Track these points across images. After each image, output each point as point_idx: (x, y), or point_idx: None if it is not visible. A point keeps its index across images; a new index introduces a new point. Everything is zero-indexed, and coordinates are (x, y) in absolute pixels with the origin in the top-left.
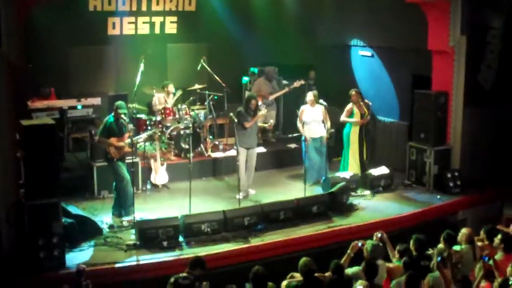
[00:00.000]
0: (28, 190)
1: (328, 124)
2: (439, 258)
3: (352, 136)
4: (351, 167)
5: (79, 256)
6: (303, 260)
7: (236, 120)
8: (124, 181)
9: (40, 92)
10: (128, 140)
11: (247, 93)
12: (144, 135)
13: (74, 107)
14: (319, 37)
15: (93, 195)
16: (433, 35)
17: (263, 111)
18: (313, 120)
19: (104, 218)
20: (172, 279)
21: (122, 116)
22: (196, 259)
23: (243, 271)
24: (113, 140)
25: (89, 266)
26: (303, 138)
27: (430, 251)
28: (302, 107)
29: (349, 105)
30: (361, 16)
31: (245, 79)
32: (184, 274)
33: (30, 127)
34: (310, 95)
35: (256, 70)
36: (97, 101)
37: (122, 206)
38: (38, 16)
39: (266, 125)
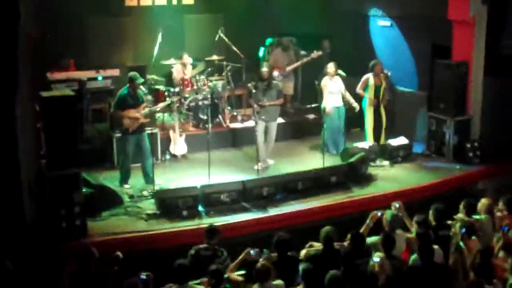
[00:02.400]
0: (49, 160)
1: (348, 94)
2: (463, 230)
3: (367, 106)
4: (367, 136)
5: (100, 226)
6: (325, 228)
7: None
8: (124, 156)
9: (59, 63)
10: (144, 111)
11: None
12: (161, 105)
13: (93, 79)
14: (337, 6)
15: (113, 165)
16: (453, 4)
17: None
18: (332, 91)
19: (124, 189)
20: (192, 251)
21: (141, 86)
22: (212, 229)
23: (261, 240)
24: (126, 111)
25: (110, 235)
26: (322, 108)
27: (449, 222)
28: (323, 81)
29: (366, 76)
30: None
31: (261, 51)
32: (205, 245)
33: (50, 99)
34: (331, 66)
35: (273, 40)
36: (116, 72)
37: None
38: None
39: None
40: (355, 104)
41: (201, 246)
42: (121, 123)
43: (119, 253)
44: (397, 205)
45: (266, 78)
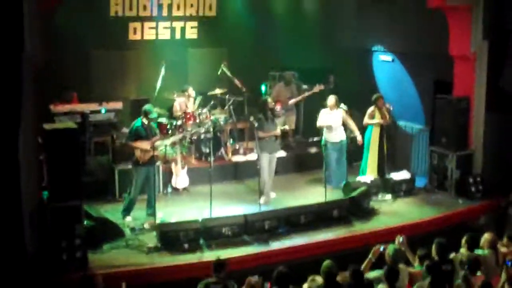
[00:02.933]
0: (51, 192)
1: (353, 126)
2: (466, 267)
3: (373, 138)
4: (370, 171)
5: (101, 258)
6: (325, 263)
7: (256, 126)
8: (132, 187)
9: (62, 96)
10: (158, 143)
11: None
12: (173, 138)
13: (96, 111)
14: (339, 42)
15: (114, 198)
16: (454, 40)
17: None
18: (331, 124)
19: (126, 221)
20: (201, 285)
21: (153, 120)
22: (220, 262)
23: (263, 274)
24: (139, 143)
25: (111, 268)
26: (323, 142)
27: (451, 256)
28: (321, 111)
29: (371, 109)
30: (382, 21)
31: (263, 86)
32: (214, 279)
33: (52, 131)
34: (332, 99)
35: (275, 75)
36: (118, 105)
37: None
38: (60, 21)
39: (283, 127)
40: (359, 137)
41: (210, 280)
42: (132, 155)
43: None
44: (401, 239)
45: (271, 108)
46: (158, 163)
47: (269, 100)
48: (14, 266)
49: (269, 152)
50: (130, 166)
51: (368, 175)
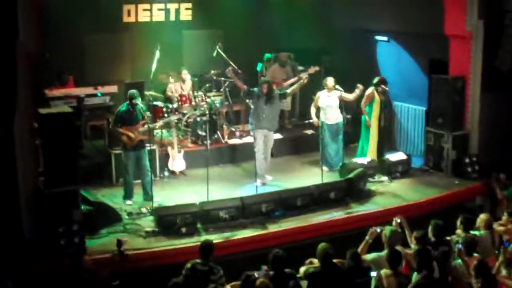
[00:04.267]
0: (48, 178)
1: (350, 96)
2: (460, 246)
3: (372, 121)
4: (370, 153)
5: (98, 243)
6: (321, 245)
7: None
8: (125, 171)
9: (58, 80)
10: (142, 128)
11: (261, 79)
12: (160, 123)
13: (91, 95)
14: (334, 22)
15: (111, 182)
16: (450, 20)
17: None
18: (329, 105)
19: (123, 205)
20: (189, 265)
21: (139, 104)
22: (206, 245)
23: (260, 257)
24: (124, 128)
25: (109, 253)
26: (319, 124)
27: (448, 237)
28: (318, 93)
29: (370, 90)
30: (377, 1)
31: (259, 66)
32: (200, 261)
33: (48, 115)
34: (331, 80)
35: (270, 55)
36: (114, 88)
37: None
38: (53, 4)
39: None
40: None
41: (198, 260)
42: (119, 140)
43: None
44: (398, 220)
45: (265, 93)
46: (155, 146)
47: (263, 85)
48: (12, 252)
49: (264, 129)
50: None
51: (369, 156)
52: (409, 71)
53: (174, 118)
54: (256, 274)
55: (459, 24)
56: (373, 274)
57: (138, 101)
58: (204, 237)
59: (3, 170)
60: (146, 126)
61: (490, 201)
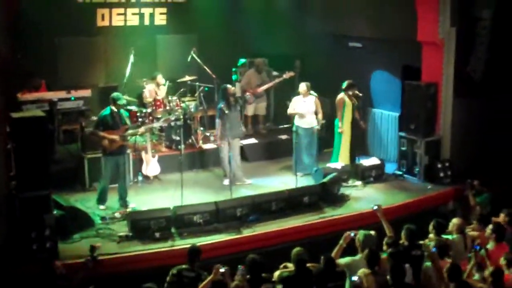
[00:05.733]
0: (19, 182)
1: (320, 115)
2: (434, 249)
3: (345, 126)
4: (342, 158)
5: (71, 248)
6: (296, 250)
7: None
8: (102, 176)
9: (31, 83)
10: (126, 134)
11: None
12: (142, 129)
13: (65, 99)
14: (309, 27)
15: (84, 186)
16: (422, 26)
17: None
18: (304, 110)
19: (96, 210)
20: (174, 270)
21: (125, 107)
22: (194, 249)
23: (235, 261)
24: (106, 132)
25: (81, 258)
26: (294, 129)
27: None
28: (294, 98)
29: (340, 96)
30: (351, 7)
31: (235, 74)
32: (187, 266)
33: (19, 119)
34: (303, 86)
35: (245, 61)
36: (87, 93)
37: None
38: (27, 7)
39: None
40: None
41: (183, 266)
42: (99, 144)
43: None
44: (376, 207)
45: (231, 94)
46: (128, 151)
47: (229, 87)
48: None
49: (229, 138)
50: (99, 155)
51: (341, 162)
52: (382, 77)
53: (154, 125)
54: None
55: (432, 31)
56: (355, 278)
57: (123, 102)
58: (178, 241)
59: None
60: (129, 131)
61: (463, 207)
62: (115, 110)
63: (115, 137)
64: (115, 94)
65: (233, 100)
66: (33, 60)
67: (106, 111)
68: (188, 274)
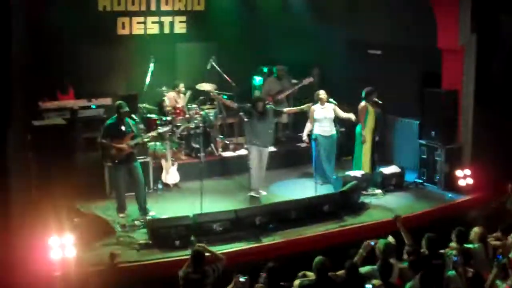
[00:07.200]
0: (41, 190)
1: (345, 114)
2: (455, 258)
3: (367, 134)
4: (364, 166)
5: (91, 256)
6: (317, 258)
7: (245, 119)
8: (115, 185)
9: (59, 87)
10: (131, 141)
11: (256, 93)
12: (149, 134)
13: (85, 107)
14: (327, 35)
15: (104, 194)
16: (442, 33)
17: None
18: (324, 118)
19: (116, 218)
20: (181, 273)
21: (131, 115)
22: (198, 254)
23: (254, 270)
24: (114, 141)
25: (101, 265)
26: (313, 136)
27: (442, 250)
28: (312, 107)
29: (363, 103)
30: (370, 14)
31: (258, 79)
32: (191, 269)
33: (41, 127)
34: (321, 93)
35: (265, 69)
36: (107, 101)
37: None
38: (48, 16)
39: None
40: (353, 116)
41: (189, 269)
42: (108, 153)
43: None
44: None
45: (260, 110)
46: (148, 159)
47: (259, 103)
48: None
49: (258, 146)
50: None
51: (364, 169)
52: (402, 84)
53: (164, 130)
54: (241, 279)
55: (452, 37)
56: (368, 286)
57: (125, 111)
58: None
59: None
60: (135, 139)
61: (487, 215)
62: (121, 118)
63: (122, 145)
64: (119, 102)
65: (261, 108)
66: (54, 69)
67: (111, 120)
68: (194, 277)
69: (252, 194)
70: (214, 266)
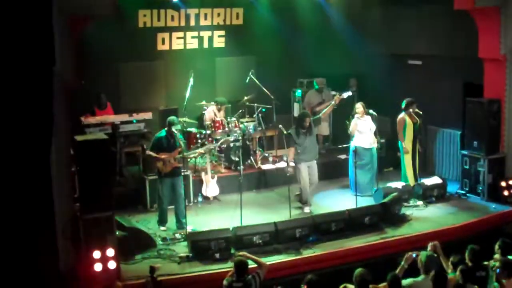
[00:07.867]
0: (83, 204)
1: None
2: (498, 270)
3: (406, 145)
4: (408, 177)
5: (132, 269)
6: (358, 270)
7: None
8: (159, 197)
9: (97, 102)
10: (178, 156)
11: (300, 111)
12: (197, 152)
13: (126, 122)
14: (366, 47)
15: (146, 208)
16: (483, 43)
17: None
18: (364, 130)
19: (157, 231)
20: (225, 282)
21: (175, 132)
22: (241, 264)
23: (294, 282)
24: (160, 154)
25: (142, 278)
26: (353, 148)
27: (486, 262)
28: (353, 120)
29: (401, 116)
30: (409, 25)
31: (298, 91)
32: (235, 278)
33: (83, 142)
34: (359, 106)
35: (305, 81)
36: (148, 115)
37: (158, 217)
38: (89, 33)
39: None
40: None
41: (233, 278)
42: (154, 165)
43: None
44: (432, 244)
45: (307, 127)
46: (188, 172)
47: (307, 119)
48: (48, 278)
49: (306, 162)
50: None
51: (410, 181)
52: (443, 94)
53: (211, 147)
54: None
55: (494, 47)
56: None
57: (177, 128)
58: None
59: (40, 197)
60: (182, 154)
61: None
62: (170, 132)
63: (170, 159)
64: (171, 118)
65: (308, 123)
66: (96, 84)
67: (161, 133)
68: (237, 285)
69: (307, 208)
70: (255, 274)
